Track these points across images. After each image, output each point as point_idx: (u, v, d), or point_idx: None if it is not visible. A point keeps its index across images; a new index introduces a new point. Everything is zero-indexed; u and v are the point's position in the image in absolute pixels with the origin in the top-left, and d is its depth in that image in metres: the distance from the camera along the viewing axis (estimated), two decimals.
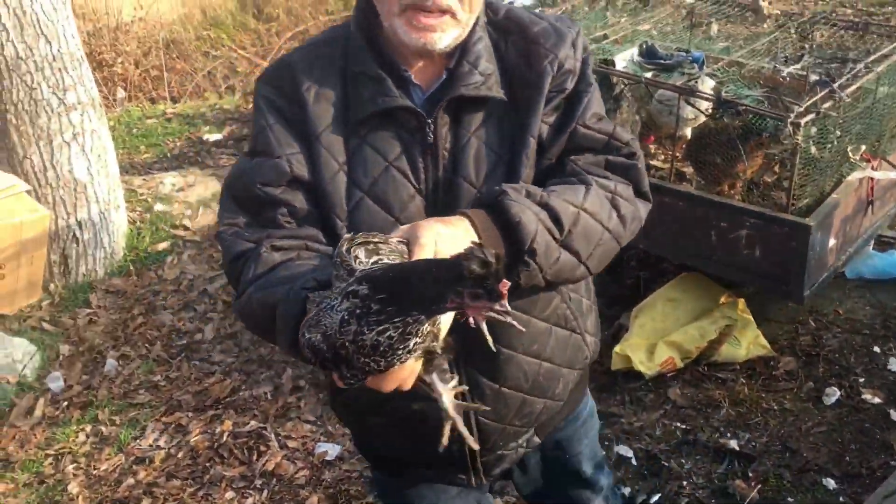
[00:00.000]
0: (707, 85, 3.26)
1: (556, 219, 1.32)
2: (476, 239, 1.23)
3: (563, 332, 1.56)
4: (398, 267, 1.10)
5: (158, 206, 5.05)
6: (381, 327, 1.03)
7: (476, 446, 1.40)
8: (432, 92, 1.41)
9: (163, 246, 4.76)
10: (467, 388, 1.43)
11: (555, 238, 1.32)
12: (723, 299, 3.48)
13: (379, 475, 1.81)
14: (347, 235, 1.21)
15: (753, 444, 2.96)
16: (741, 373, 3.28)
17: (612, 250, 1.42)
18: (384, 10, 1.36)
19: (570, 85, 1.43)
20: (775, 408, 3.09)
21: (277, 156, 1.38)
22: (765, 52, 3.44)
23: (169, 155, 5.90)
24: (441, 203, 1.40)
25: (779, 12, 3.66)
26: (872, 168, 3.30)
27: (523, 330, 1.28)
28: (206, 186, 5.26)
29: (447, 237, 1.20)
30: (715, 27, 3.82)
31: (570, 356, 1.59)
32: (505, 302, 1.02)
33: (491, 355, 1.39)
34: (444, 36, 1.34)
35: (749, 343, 3.32)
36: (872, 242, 3.65)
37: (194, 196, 5.18)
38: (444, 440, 1.27)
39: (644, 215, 1.49)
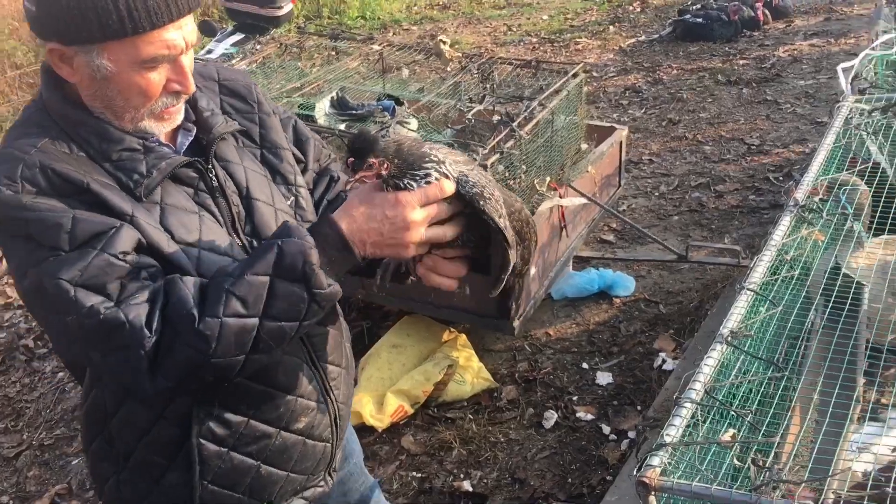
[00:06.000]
0: (400, 132, 3.29)
1: None
2: None
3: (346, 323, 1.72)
4: None
5: None
6: None
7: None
8: (188, 146, 1.46)
9: None
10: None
11: None
12: (445, 337, 3.54)
13: None
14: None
15: (486, 481, 3.01)
16: (468, 409, 3.34)
17: None
18: (125, 119, 1.35)
19: (269, 109, 1.60)
20: (502, 440, 3.18)
21: (119, 225, 1.27)
22: (451, 94, 3.55)
23: None
24: (252, 233, 1.46)
25: (460, 55, 3.81)
26: (560, 196, 3.51)
27: None
28: None
29: None
30: (406, 71, 3.89)
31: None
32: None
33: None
34: (182, 111, 1.42)
35: (473, 378, 3.40)
36: (571, 263, 3.90)
37: None
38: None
39: None
